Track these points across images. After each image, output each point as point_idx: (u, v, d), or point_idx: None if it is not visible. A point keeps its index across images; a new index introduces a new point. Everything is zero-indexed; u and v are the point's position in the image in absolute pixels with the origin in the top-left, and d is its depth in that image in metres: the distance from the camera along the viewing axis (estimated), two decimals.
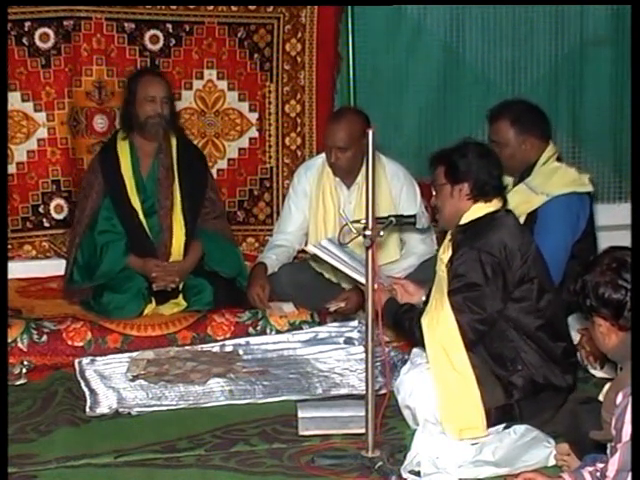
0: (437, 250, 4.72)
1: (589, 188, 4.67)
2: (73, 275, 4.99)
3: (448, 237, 3.92)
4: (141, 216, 4.97)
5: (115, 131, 5.17)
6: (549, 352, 3.81)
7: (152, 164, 5.02)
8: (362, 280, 3.84)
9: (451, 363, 3.67)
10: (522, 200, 4.56)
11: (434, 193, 3.93)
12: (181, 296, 4.92)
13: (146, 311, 4.84)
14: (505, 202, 3.91)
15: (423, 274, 4.44)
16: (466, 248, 3.74)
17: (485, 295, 3.71)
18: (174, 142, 5.05)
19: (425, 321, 3.73)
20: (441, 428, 3.63)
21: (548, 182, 4.61)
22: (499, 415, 3.71)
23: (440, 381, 3.68)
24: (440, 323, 3.69)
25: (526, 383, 3.77)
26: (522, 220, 4.50)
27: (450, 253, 3.82)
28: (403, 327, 3.85)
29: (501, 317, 3.77)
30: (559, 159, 4.75)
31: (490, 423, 3.67)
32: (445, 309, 3.70)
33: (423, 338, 3.72)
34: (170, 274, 4.90)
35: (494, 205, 3.83)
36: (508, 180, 4.69)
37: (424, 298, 3.96)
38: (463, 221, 3.83)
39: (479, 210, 3.82)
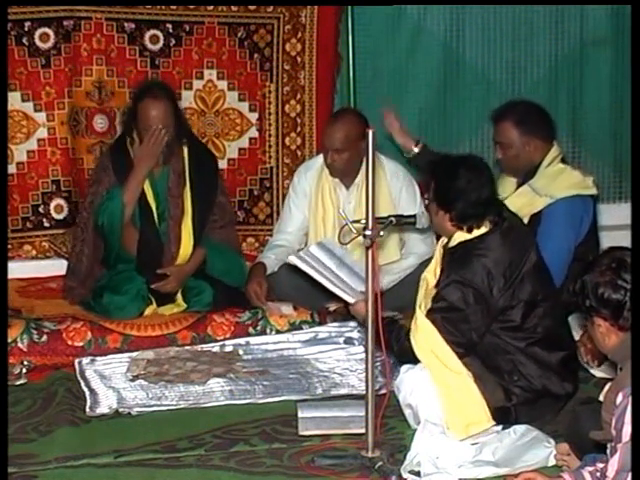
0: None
1: (593, 191, 4.65)
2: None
3: (438, 251, 3.94)
4: (155, 217, 4.93)
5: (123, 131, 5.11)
6: (545, 363, 3.82)
7: (163, 168, 4.94)
8: (343, 295, 3.91)
9: (444, 365, 3.69)
10: (526, 202, 4.55)
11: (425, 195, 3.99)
12: (181, 297, 4.91)
13: (146, 312, 4.84)
14: (500, 217, 3.85)
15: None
16: (450, 273, 3.77)
17: (464, 319, 3.71)
18: (185, 150, 4.98)
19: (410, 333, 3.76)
20: (441, 428, 3.63)
21: (552, 184, 4.58)
22: (496, 416, 3.71)
23: (439, 382, 3.68)
24: (419, 329, 3.72)
25: (523, 392, 3.79)
26: (525, 222, 4.49)
27: (438, 273, 3.86)
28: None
29: (489, 333, 3.78)
30: (563, 160, 4.73)
31: None
32: (419, 316, 3.73)
33: (401, 353, 3.77)
34: (168, 282, 4.87)
35: (477, 232, 3.81)
36: (512, 183, 4.70)
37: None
38: (452, 244, 3.85)
39: (462, 236, 3.83)
